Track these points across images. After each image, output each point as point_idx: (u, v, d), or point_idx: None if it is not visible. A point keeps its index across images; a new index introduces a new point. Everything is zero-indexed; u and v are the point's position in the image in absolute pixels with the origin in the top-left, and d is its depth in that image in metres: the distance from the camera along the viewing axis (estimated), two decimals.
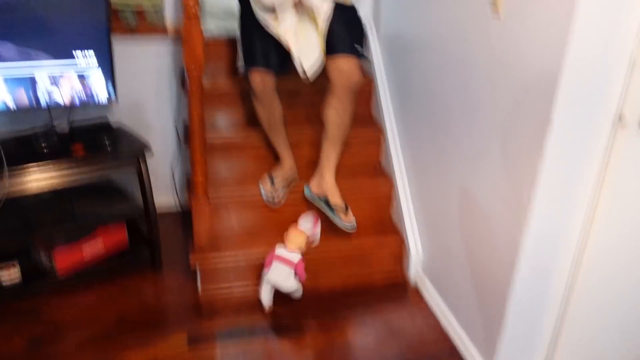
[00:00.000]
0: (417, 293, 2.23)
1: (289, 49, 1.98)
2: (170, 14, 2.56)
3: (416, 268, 2.28)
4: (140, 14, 2.54)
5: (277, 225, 2.29)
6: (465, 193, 1.84)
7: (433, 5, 1.98)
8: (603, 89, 1.35)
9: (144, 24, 2.55)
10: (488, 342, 1.74)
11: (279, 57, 2.07)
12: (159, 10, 2.65)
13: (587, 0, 1.24)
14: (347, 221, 2.14)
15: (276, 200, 2.28)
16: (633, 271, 1.60)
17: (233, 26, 2.82)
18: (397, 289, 2.26)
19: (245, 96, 2.53)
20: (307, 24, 1.98)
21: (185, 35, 1.82)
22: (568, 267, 1.57)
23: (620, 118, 1.37)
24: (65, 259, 2.20)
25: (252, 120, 2.42)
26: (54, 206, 2.25)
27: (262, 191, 2.29)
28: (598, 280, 1.58)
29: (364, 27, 2.11)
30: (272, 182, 2.29)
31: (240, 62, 2.24)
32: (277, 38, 1.99)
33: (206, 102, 2.27)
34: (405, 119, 2.34)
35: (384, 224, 2.41)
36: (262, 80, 2.09)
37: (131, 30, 2.51)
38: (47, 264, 2.20)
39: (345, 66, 1.98)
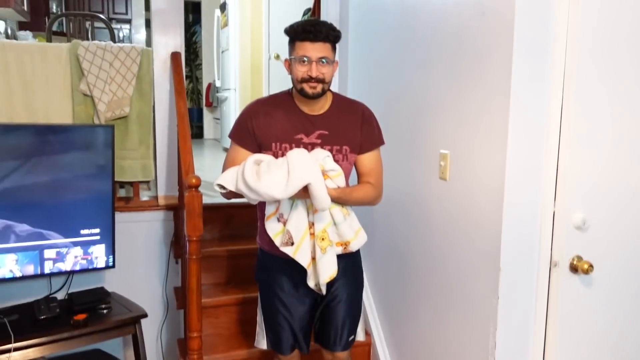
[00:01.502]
0: None
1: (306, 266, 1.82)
2: (162, 187, 2.90)
3: None
4: (135, 187, 2.87)
5: None
6: (435, 344, 2.07)
7: (395, 174, 2.38)
8: (537, 240, 1.69)
9: (138, 198, 2.87)
10: None
11: (306, 328, 2.02)
12: (151, 185, 3.00)
13: (513, 171, 1.62)
14: None
15: None
16: None
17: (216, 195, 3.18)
18: None
19: (229, 257, 2.79)
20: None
21: (188, 207, 2.12)
22: None
23: (555, 264, 1.69)
24: None
25: (236, 281, 2.63)
26: None
27: None
28: None
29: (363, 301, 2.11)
30: None
31: (260, 341, 2.10)
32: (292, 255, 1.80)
33: None
34: (377, 279, 2.61)
35: None
36: None
37: (126, 203, 2.81)
38: None
39: None
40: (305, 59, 1.77)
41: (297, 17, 4.11)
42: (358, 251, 2.03)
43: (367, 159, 1.94)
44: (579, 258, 1.68)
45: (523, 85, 1.61)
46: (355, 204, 1.91)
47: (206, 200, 3.08)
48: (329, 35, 1.78)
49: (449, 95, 1.93)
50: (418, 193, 2.16)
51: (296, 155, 1.74)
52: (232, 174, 1.78)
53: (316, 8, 3.36)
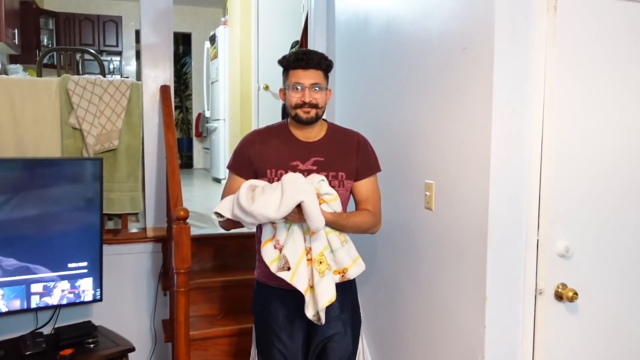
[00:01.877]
0: None
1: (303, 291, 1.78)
2: (150, 219, 2.90)
3: None
4: (124, 219, 2.87)
5: None
6: None
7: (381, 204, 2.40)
8: (522, 268, 1.71)
9: (126, 230, 2.87)
10: None
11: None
12: (140, 216, 3.01)
13: (496, 201, 1.65)
14: None
15: None
16: None
17: (206, 226, 3.19)
18: None
19: (219, 289, 2.78)
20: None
21: (176, 240, 2.12)
22: None
23: (540, 292, 1.71)
24: None
25: (225, 312, 2.62)
26: None
27: None
28: None
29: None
30: None
31: None
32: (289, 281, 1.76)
33: None
34: (365, 311, 2.61)
35: None
36: None
37: (115, 235, 2.81)
38: None
39: None
40: (298, 86, 1.83)
41: (285, 48, 4.19)
42: (355, 285, 2.03)
43: (364, 186, 1.96)
44: (564, 286, 1.70)
45: (504, 117, 1.65)
46: (353, 231, 1.91)
47: (196, 231, 3.11)
48: (321, 63, 1.85)
49: (434, 126, 1.97)
50: (404, 223, 2.18)
51: (290, 177, 1.77)
52: (228, 202, 1.80)
53: (304, 40, 3.44)
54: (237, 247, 3.07)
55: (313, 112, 1.85)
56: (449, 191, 1.89)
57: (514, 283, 1.71)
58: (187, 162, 8.24)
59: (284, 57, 1.90)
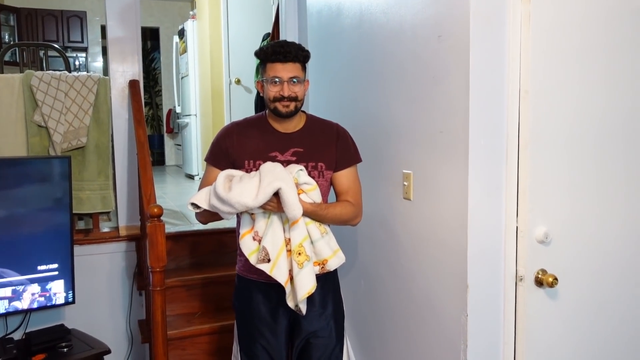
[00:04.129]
0: None
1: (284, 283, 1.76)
2: (123, 217, 2.82)
3: None
4: (95, 219, 2.79)
5: None
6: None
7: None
8: (502, 256, 1.71)
9: (98, 229, 2.79)
10: None
11: (286, 358, 1.96)
12: (112, 215, 2.93)
13: (475, 189, 1.64)
14: None
15: None
16: None
17: (181, 223, 3.13)
18: None
19: (195, 287, 2.74)
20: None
21: (150, 238, 2.06)
22: None
23: (520, 278, 1.71)
24: None
25: (202, 310, 2.57)
26: None
27: None
28: None
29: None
30: None
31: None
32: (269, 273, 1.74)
33: None
34: (345, 303, 2.59)
35: None
36: None
37: (86, 235, 2.73)
38: None
39: None
40: (277, 79, 1.81)
41: (256, 41, 4.13)
42: (337, 279, 2.01)
43: (344, 177, 1.94)
44: (544, 272, 1.71)
45: (481, 105, 1.64)
46: (333, 222, 1.89)
47: (171, 228, 3.05)
48: (299, 55, 1.83)
49: (410, 115, 1.95)
50: (383, 213, 2.17)
51: (268, 165, 1.75)
52: (205, 193, 1.77)
53: (275, 32, 3.39)
54: (213, 243, 3.01)
55: (292, 105, 1.83)
56: (427, 181, 1.88)
57: (494, 270, 1.71)
58: (158, 159, 8.10)
59: (261, 50, 1.87)
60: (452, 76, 1.70)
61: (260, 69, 1.88)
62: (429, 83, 1.82)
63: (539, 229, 1.70)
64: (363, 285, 2.39)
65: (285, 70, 1.80)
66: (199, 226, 3.17)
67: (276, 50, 1.80)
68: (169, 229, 3.06)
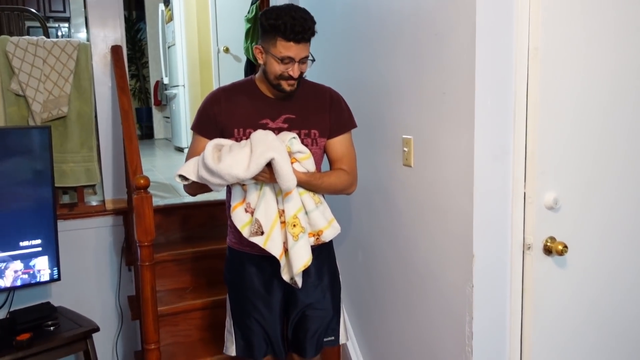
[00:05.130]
0: None
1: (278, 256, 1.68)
2: (109, 190, 2.71)
3: None
4: (79, 192, 2.67)
5: None
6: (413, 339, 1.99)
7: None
8: (509, 223, 1.62)
9: (83, 203, 2.67)
10: None
11: (281, 331, 1.89)
12: (97, 188, 2.81)
13: (481, 154, 1.55)
14: None
15: None
16: None
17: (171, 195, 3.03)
18: None
19: (187, 261, 2.65)
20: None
21: (137, 211, 1.96)
22: None
23: (528, 247, 1.63)
24: None
25: (194, 285, 2.49)
26: None
27: None
28: None
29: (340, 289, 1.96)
30: None
31: (229, 347, 1.94)
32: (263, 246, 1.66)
33: None
34: (343, 274, 2.51)
35: None
36: None
37: (70, 210, 2.61)
38: None
39: None
40: (288, 59, 1.66)
41: (245, 6, 3.95)
42: (332, 250, 1.94)
43: (338, 144, 1.84)
44: (553, 239, 1.62)
45: (487, 63, 1.53)
46: (328, 191, 1.80)
47: (160, 201, 2.95)
48: (313, 32, 1.70)
49: (410, 77, 1.84)
50: (382, 181, 2.07)
51: (260, 134, 1.65)
52: (193, 164, 1.67)
53: None
54: (204, 216, 2.91)
55: (296, 82, 1.72)
56: (429, 146, 1.77)
57: (501, 239, 1.63)
58: (147, 133, 7.92)
59: (276, 21, 1.62)
60: (456, 32, 1.58)
61: (267, 36, 1.67)
62: (431, 40, 1.70)
63: (548, 194, 1.61)
64: (361, 257, 2.31)
65: (299, 50, 1.66)
66: (190, 199, 3.06)
67: (296, 30, 1.62)
68: (158, 202, 2.96)
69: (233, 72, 4.68)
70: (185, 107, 5.67)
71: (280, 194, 1.67)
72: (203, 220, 2.89)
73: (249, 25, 3.56)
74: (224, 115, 1.77)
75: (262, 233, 1.66)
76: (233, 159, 1.58)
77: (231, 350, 1.93)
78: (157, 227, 2.79)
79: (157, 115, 7.72)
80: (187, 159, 1.76)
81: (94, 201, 2.81)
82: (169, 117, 6.60)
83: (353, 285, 2.40)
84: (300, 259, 1.66)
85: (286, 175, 1.58)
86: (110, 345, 2.71)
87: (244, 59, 4.24)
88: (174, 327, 2.46)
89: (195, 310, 2.50)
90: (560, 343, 1.71)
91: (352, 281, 2.41)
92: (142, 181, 1.98)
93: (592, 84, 1.64)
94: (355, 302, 2.41)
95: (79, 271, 2.61)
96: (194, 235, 2.86)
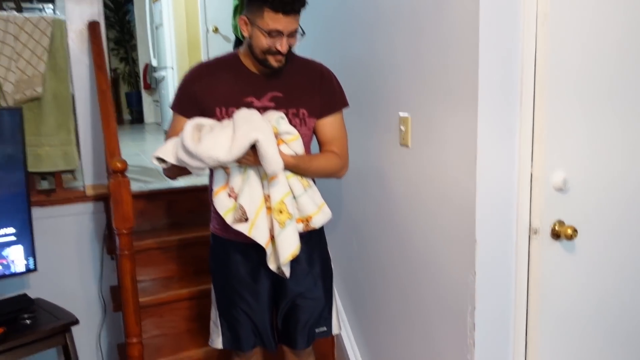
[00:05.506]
0: None
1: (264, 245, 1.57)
2: (89, 176, 2.57)
3: None
4: (57, 178, 2.53)
5: None
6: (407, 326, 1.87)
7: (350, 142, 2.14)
8: (515, 206, 1.50)
9: (62, 189, 2.53)
10: None
11: (270, 321, 1.78)
12: (77, 173, 2.67)
13: (485, 132, 1.42)
14: None
15: None
16: None
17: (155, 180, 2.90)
18: None
19: (172, 249, 2.52)
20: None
21: (114, 196, 1.83)
22: None
23: (535, 231, 1.51)
24: None
25: (180, 274, 2.37)
26: None
27: None
28: None
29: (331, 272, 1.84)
30: None
31: (215, 339, 1.83)
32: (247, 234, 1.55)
33: None
34: (337, 262, 2.39)
35: None
36: None
37: (48, 196, 2.48)
38: None
39: None
40: (276, 32, 1.52)
41: None
42: (324, 235, 1.81)
43: (328, 124, 1.70)
44: (561, 223, 1.51)
45: (492, 32, 1.40)
46: (317, 175, 1.68)
47: (143, 186, 2.81)
48: (304, 4, 1.55)
49: (407, 50, 1.70)
50: (377, 163, 1.94)
51: (244, 113, 1.53)
52: (171, 145, 1.55)
53: None
54: (192, 201, 2.78)
55: (284, 58, 1.58)
56: (427, 124, 1.64)
57: (505, 224, 1.51)
58: (137, 117, 7.75)
59: None
60: (458, 3, 1.44)
61: (252, 6, 1.54)
62: (430, 9, 1.56)
63: (557, 174, 1.49)
64: (355, 244, 2.19)
65: (288, 23, 1.52)
66: (176, 184, 2.93)
67: (285, 0, 1.49)
68: (143, 187, 2.83)
69: (222, 53, 4.52)
70: (173, 90, 5.49)
71: (266, 178, 1.55)
72: (190, 206, 2.76)
73: (237, 1, 3.39)
74: (204, 93, 1.63)
75: (247, 220, 1.54)
76: (214, 140, 1.46)
77: (217, 342, 1.81)
78: (142, 213, 2.68)
79: (147, 99, 7.54)
80: (166, 140, 1.63)
81: (73, 187, 2.67)
82: (158, 101, 6.44)
83: (347, 273, 2.29)
84: (288, 248, 1.54)
85: (272, 158, 1.45)
86: (93, 338, 2.59)
87: (233, 38, 4.09)
88: (160, 318, 2.35)
89: (181, 301, 2.39)
90: (568, 334, 1.60)
91: (346, 269, 2.29)
92: (118, 164, 1.84)
93: (604, 55, 1.51)
94: (350, 291, 2.30)
95: (59, 260, 2.48)
96: (180, 221, 2.74)
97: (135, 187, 2.83)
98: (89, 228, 2.55)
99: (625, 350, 1.70)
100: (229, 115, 1.59)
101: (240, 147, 1.43)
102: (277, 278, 1.68)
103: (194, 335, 2.35)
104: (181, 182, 3.04)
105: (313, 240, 1.74)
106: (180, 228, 2.66)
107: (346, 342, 2.31)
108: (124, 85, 8.37)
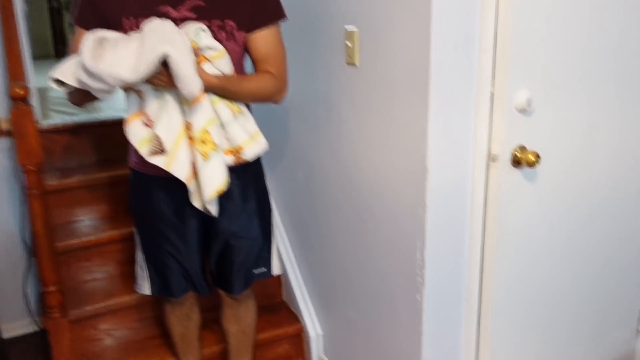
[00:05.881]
0: None
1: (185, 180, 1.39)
2: (2, 108, 2.27)
3: (318, 352, 2.09)
4: None
5: (162, 341, 2.01)
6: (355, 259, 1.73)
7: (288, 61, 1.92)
8: (471, 130, 1.33)
9: None
10: None
11: (201, 264, 1.64)
12: None
13: (440, 44, 1.22)
14: None
15: None
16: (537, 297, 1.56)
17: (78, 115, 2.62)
18: None
19: (103, 187, 2.30)
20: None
21: (16, 129, 1.58)
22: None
23: (494, 158, 1.35)
24: None
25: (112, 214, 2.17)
26: None
27: None
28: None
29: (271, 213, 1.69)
30: None
31: (143, 284, 1.67)
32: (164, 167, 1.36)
33: (56, 203, 2.12)
34: (280, 195, 2.22)
35: (277, 312, 2.21)
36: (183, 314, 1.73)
37: None
38: None
39: (240, 314, 1.74)
40: None
41: None
42: (261, 167, 1.62)
43: (262, 39, 1.46)
44: (523, 148, 1.35)
45: None
46: (249, 99, 1.47)
47: (67, 119, 2.54)
48: None
49: None
50: (321, 85, 1.73)
51: (155, 24, 1.29)
52: (71, 63, 1.31)
53: None
54: (123, 135, 2.50)
55: None
56: (377, 39, 1.43)
57: (461, 150, 1.35)
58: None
59: None
60: None
61: None
62: None
63: (520, 94, 1.32)
64: (300, 176, 2.00)
65: None
66: (105, 115, 2.67)
67: None
68: (67, 119, 2.55)
69: None
70: None
71: (187, 102, 1.32)
72: (121, 140, 2.46)
73: None
74: (109, 1, 1.36)
75: (164, 151, 1.33)
76: (116, 56, 1.23)
77: (145, 287, 1.64)
78: (67, 149, 2.42)
79: None
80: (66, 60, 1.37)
81: None
82: None
83: (293, 208, 2.12)
84: (212, 182, 1.35)
85: (186, 77, 1.23)
86: (18, 286, 2.37)
87: None
88: (88, 262, 2.14)
89: (112, 243, 2.18)
90: (524, 266, 1.49)
91: (291, 204, 2.12)
92: (20, 91, 1.58)
93: None
94: (297, 228, 2.14)
95: None
96: (110, 157, 2.48)
97: (59, 119, 2.56)
98: (4, 165, 2.28)
99: (587, 280, 1.62)
100: (140, 27, 1.34)
101: (147, 64, 1.20)
102: (206, 217, 1.49)
103: (128, 279, 2.16)
104: (112, 113, 2.78)
105: (248, 174, 1.55)
106: (110, 164, 2.41)
107: (293, 281, 2.17)
108: (68, 16, 7.74)
